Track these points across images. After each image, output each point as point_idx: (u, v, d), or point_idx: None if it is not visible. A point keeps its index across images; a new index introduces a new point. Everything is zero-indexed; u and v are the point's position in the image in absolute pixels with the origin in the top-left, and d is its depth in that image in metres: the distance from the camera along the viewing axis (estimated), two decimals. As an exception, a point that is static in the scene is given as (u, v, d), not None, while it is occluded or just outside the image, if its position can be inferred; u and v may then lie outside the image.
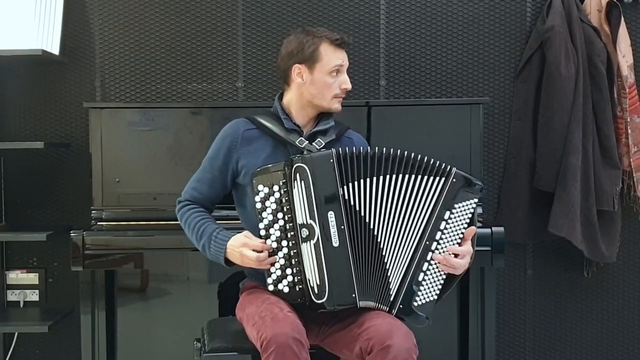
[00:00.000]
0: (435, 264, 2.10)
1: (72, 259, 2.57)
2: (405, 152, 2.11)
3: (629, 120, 3.03)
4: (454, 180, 2.09)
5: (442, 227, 2.09)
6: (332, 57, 2.21)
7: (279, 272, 2.10)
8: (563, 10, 2.98)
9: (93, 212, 2.83)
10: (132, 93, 3.10)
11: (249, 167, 2.23)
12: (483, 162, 2.95)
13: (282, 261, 2.09)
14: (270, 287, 2.11)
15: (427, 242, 2.09)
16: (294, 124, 2.27)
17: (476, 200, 2.12)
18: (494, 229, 2.57)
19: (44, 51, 2.86)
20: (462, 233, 2.11)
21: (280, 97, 2.32)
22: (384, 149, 2.11)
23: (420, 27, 3.11)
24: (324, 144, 2.24)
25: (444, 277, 2.12)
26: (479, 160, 2.88)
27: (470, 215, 2.12)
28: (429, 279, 2.11)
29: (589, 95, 2.99)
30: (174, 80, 3.10)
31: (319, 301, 2.05)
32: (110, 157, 2.85)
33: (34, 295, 3.12)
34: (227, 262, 2.18)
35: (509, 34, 3.11)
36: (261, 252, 2.09)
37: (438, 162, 2.11)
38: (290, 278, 2.09)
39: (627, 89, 3.02)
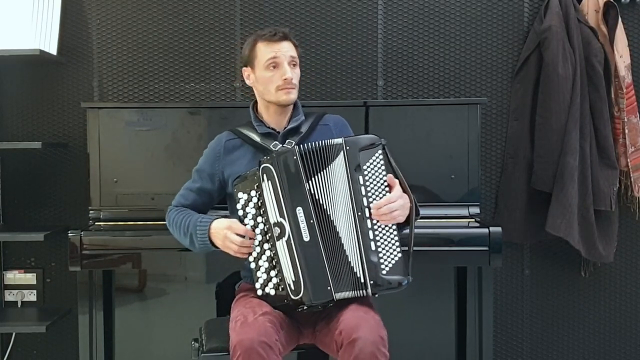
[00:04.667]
0: (379, 226, 2.11)
1: (70, 259, 2.57)
2: (324, 142, 2.15)
3: (626, 120, 3.03)
4: (348, 147, 2.14)
5: (363, 192, 2.12)
6: (265, 52, 2.28)
7: (264, 276, 2.12)
8: (560, 11, 2.99)
9: (91, 212, 2.83)
10: (129, 93, 3.10)
11: (233, 176, 2.27)
12: (481, 162, 2.95)
13: (266, 264, 2.11)
14: (259, 292, 2.13)
15: (359, 213, 2.11)
16: (268, 127, 2.32)
17: (380, 151, 2.15)
18: (491, 229, 2.57)
19: (41, 51, 2.86)
20: (385, 182, 2.14)
21: (255, 104, 2.39)
22: (325, 140, 2.15)
23: (418, 27, 3.11)
24: (294, 143, 2.27)
25: (395, 234, 2.13)
26: (477, 161, 2.88)
27: (382, 167, 2.15)
28: (382, 243, 2.11)
29: (586, 96, 2.99)
30: (171, 80, 3.09)
31: (296, 297, 2.06)
32: (107, 157, 2.85)
33: (31, 296, 3.12)
34: (214, 244, 2.20)
35: (507, 35, 3.12)
36: (244, 238, 2.12)
37: (331, 143, 2.15)
38: (274, 280, 2.11)
39: (624, 89, 3.03)
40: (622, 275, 3.19)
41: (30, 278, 3.12)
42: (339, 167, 2.13)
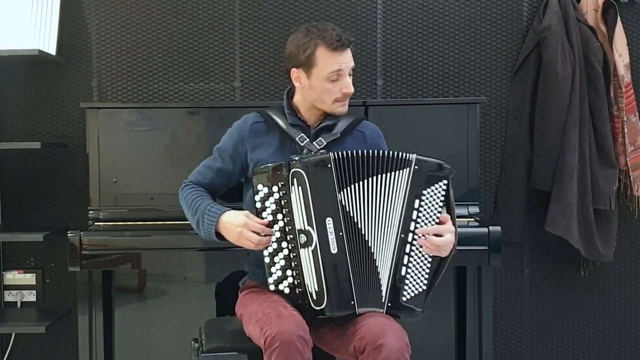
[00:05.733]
0: (416, 254, 2.08)
1: (69, 259, 2.57)
2: (377, 152, 2.09)
3: (625, 119, 3.04)
4: (417, 167, 2.07)
5: (414, 216, 2.07)
6: (329, 62, 2.13)
7: (279, 273, 2.09)
8: (559, 10, 2.99)
9: (90, 212, 2.83)
10: (129, 93, 3.10)
11: (257, 162, 2.21)
12: (480, 161, 2.95)
13: (283, 262, 2.08)
14: (271, 287, 2.10)
15: (402, 235, 2.06)
16: (299, 119, 2.25)
17: (446, 182, 2.10)
18: (491, 228, 2.57)
19: (40, 51, 2.85)
20: (438, 217, 2.10)
21: (291, 93, 2.30)
22: (366, 151, 2.09)
23: (418, 26, 3.11)
24: (325, 143, 2.21)
25: (429, 266, 2.10)
26: (476, 160, 2.88)
27: (442, 198, 2.10)
28: (412, 272, 2.09)
29: (585, 95, 2.99)
30: (171, 80, 3.09)
31: (318, 308, 2.04)
32: (107, 157, 2.85)
33: (31, 296, 3.11)
34: (218, 236, 2.15)
35: (506, 34, 3.12)
36: (260, 234, 2.07)
37: (397, 154, 2.08)
38: (290, 280, 2.08)
39: (623, 88, 3.03)
40: (621, 274, 3.19)
41: (29, 278, 3.11)
42: (399, 182, 2.07)
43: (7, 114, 3.10)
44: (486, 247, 2.55)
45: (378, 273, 2.08)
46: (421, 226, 2.08)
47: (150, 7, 3.08)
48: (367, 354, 1.96)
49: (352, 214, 2.06)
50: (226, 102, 3.07)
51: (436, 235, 2.08)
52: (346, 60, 2.15)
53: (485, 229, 2.57)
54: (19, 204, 3.11)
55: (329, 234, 2.02)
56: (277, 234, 2.08)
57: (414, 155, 2.08)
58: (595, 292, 3.19)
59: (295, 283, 2.07)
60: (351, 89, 2.17)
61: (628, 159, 3.03)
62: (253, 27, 3.07)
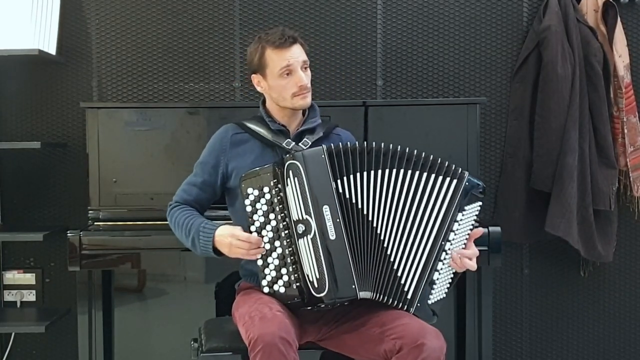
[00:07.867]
0: (448, 264, 2.15)
1: (69, 259, 2.57)
2: (407, 149, 2.15)
3: (625, 120, 3.04)
4: (467, 183, 2.14)
5: (454, 228, 2.14)
6: (277, 60, 2.23)
7: (273, 274, 2.11)
8: (559, 10, 2.99)
9: (90, 212, 2.83)
10: (129, 93, 3.10)
11: (239, 170, 2.26)
12: (480, 161, 2.95)
13: (277, 262, 2.10)
14: (266, 290, 2.12)
15: (443, 243, 2.13)
16: (280, 124, 2.30)
17: (480, 203, 2.18)
18: (490, 228, 2.57)
19: (40, 51, 2.85)
20: (468, 234, 2.17)
21: (264, 102, 2.37)
22: (382, 144, 2.14)
23: (418, 27, 3.11)
24: (310, 143, 2.28)
25: (452, 277, 2.18)
26: (476, 160, 2.88)
27: (475, 218, 2.18)
28: (441, 278, 2.15)
29: (585, 95, 2.99)
30: (171, 80, 3.09)
31: (319, 295, 2.05)
32: (107, 157, 2.85)
33: (30, 296, 3.12)
34: (216, 252, 2.18)
35: (506, 34, 3.12)
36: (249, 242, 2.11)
37: (447, 163, 2.15)
38: (285, 278, 2.10)
39: (623, 88, 3.03)
40: (621, 274, 3.19)
41: (29, 278, 3.12)
42: (442, 189, 2.13)
43: (7, 114, 3.10)
44: (486, 248, 2.55)
45: (392, 262, 2.11)
46: (457, 240, 2.15)
47: (150, 7, 3.08)
48: (405, 353, 2.00)
49: (354, 201, 2.10)
50: (226, 102, 3.07)
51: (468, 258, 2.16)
52: (293, 55, 2.24)
53: (485, 230, 2.56)
54: (18, 204, 3.11)
55: (326, 221, 2.07)
56: (270, 234, 2.11)
57: (466, 172, 2.16)
58: (595, 293, 3.19)
59: (292, 278, 2.09)
60: (304, 81, 2.24)
61: (628, 159, 3.03)
62: (253, 27, 3.07)
